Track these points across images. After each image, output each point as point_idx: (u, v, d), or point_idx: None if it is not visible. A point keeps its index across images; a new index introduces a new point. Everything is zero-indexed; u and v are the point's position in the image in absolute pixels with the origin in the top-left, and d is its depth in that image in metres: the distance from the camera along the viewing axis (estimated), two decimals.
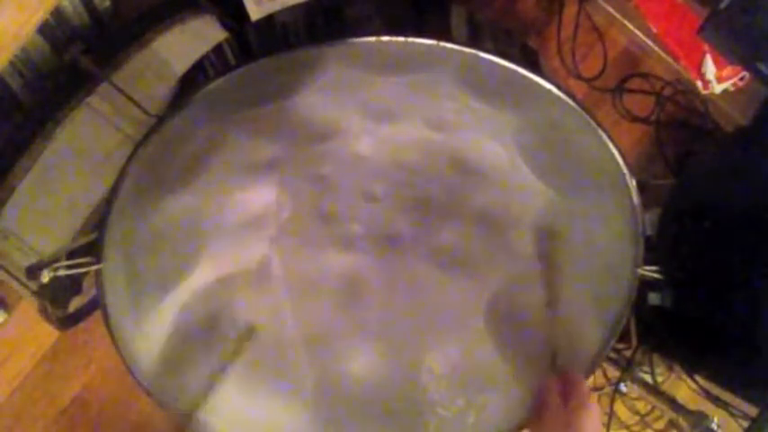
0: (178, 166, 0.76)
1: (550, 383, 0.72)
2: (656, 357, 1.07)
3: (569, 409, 0.68)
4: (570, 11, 1.07)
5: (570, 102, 0.64)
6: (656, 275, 0.75)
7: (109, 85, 0.76)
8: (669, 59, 1.04)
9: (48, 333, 1.08)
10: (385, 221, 0.95)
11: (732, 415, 1.01)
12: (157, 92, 0.79)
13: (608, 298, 0.78)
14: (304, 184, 0.91)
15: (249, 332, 0.83)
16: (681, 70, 1.03)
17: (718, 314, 0.85)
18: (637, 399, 1.11)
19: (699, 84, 1.00)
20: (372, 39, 0.61)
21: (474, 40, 0.70)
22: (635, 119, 1.13)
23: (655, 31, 1.01)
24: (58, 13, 0.79)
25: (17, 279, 0.82)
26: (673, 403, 0.98)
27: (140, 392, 0.77)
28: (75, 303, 0.84)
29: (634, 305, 0.77)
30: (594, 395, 1.16)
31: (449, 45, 0.61)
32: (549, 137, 0.77)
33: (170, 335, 0.81)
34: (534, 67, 0.64)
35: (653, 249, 0.76)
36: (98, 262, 0.67)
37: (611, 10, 1.05)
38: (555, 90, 0.63)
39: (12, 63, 0.77)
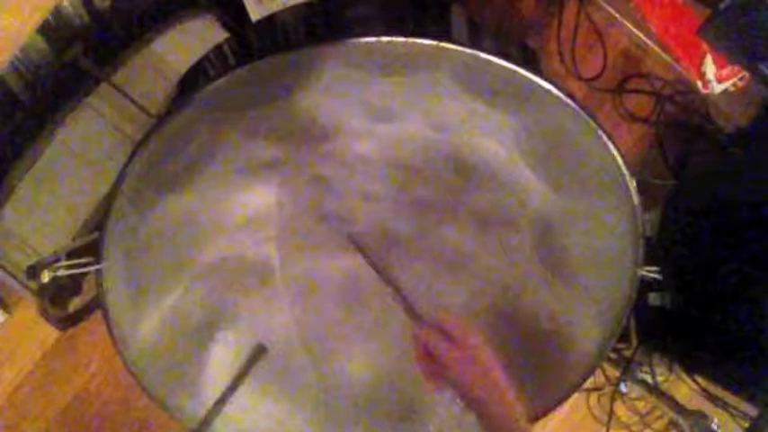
0: (178, 166, 0.76)
1: (428, 335, 0.67)
2: (655, 357, 1.07)
3: (458, 348, 0.65)
4: (570, 11, 1.07)
5: (570, 102, 0.64)
6: (656, 275, 0.75)
7: (109, 85, 0.76)
8: (669, 59, 1.04)
9: (48, 333, 1.08)
10: (385, 221, 0.95)
11: (732, 415, 1.01)
12: (157, 92, 0.79)
13: (608, 298, 0.79)
14: (304, 185, 0.91)
15: (259, 352, 0.82)
16: (681, 70, 1.03)
17: (718, 314, 0.85)
18: (637, 399, 1.11)
19: (699, 84, 1.00)
20: (372, 39, 0.61)
21: (474, 41, 0.70)
22: (635, 119, 1.13)
23: (655, 31, 1.01)
24: (57, 13, 0.78)
25: (17, 279, 0.82)
26: (673, 403, 0.98)
27: (140, 392, 0.77)
28: (75, 303, 0.84)
29: (634, 305, 0.77)
30: (595, 394, 1.16)
31: (449, 45, 0.61)
32: (548, 137, 0.77)
33: (170, 335, 0.81)
34: (534, 67, 0.64)
35: (653, 249, 0.76)
36: (98, 262, 0.67)
37: (611, 10, 1.05)
38: (554, 90, 0.64)
39: (12, 63, 0.77)
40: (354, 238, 0.83)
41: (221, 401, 0.76)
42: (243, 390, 0.85)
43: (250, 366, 0.80)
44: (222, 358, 0.86)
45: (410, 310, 0.72)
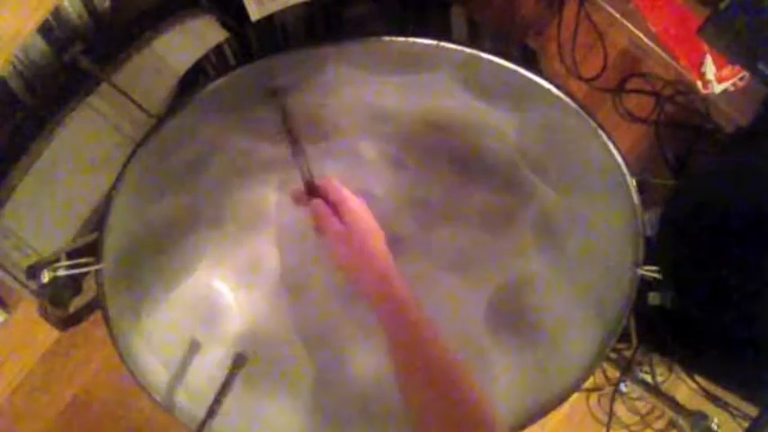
0: (178, 166, 0.76)
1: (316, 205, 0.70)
2: (656, 357, 1.07)
3: (340, 211, 0.68)
4: (570, 11, 1.07)
5: (570, 102, 0.64)
6: (656, 275, 0.75)
7: (109, 85, 0.76)
8: (669, 59, 1.04)
9: (48, 333, 1.08)
10: (385, 221, 0.95)
11: (732, 415, 1.01)
12: (157, 92, 0.79)
13: (608, 298, 0.79)
14: None
15: (240, 361, 0.83)
16: (681, 70, 1.03)
17: (718, 314, 0.85)
18: (637, 399, 1.11)
19: (699, 84, 1.00)
20: (372, 39, 0.61)
21: (474, 40, 0.70)
22: (635, 119, 1.13)
23: (655, 31, 1.00)
24: (57, 13, 0.78)
25: (17, 279, 0.82)
26: (673, 403, 0.98)
27: (140, 392, 0.77)
28: (75, 303, 0.84)
29: (634, 305, 0.77)
30: (595, 394, 1.16)
31: (449, 45, 0.61)
32: (549, 137, 0.77)
33: (169, 334, 0.81)
34: (534, 67, 0.64)
35: (653, 249, 0.76)
36: (98, 262, 0.67)
37: (611, 10, 1.05)
38: (554, 90, 0.64)
39: (12, 63, 0.77)
40: (275, 90, 0.78)
41: (210, 413, 0.78)
42: (242, 390, 0.86)
43: (232, 376, 0.81)
44: (222, 358, 0.86)
45: (305, 179, 0.73)
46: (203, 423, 0.77)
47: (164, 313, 0.81)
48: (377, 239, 0.69)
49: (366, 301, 0.67)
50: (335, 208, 0.70)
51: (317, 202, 0.71)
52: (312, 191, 0.73)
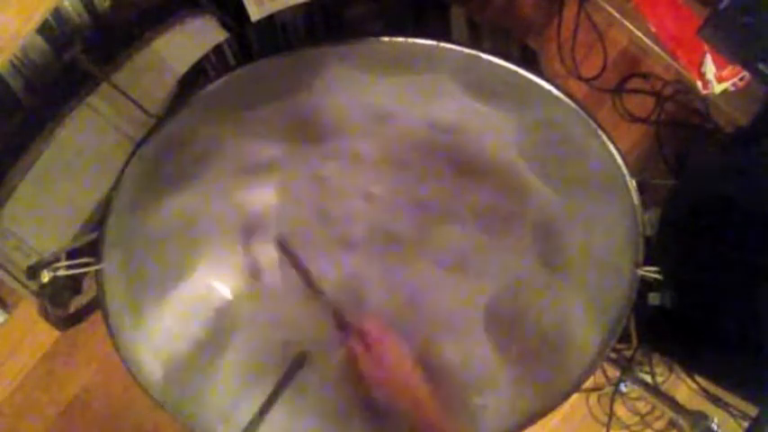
0: (178, 166, 0.76)
1: (350, 341, 0.72)
2: (656, 357, 1.07)
3: (377, 352, 0.70)
4: (570, 11, 1.07)
5: (570, 102, 0.64)
6: (656, 275, 0.75)
7: (109, 85, 0.76)
8: (669, 59, 1.04)
9: (48, 333, 1.08)
10: (385, 221, 0.95)
11: (732, 415, 1.01)
12: (157, 92, 0.79)
13: (608, 298, 0.78)
14: (304, 185, 0.91)
15: (300, 361, 0.82)
16: (681, 70, 1.03)
17: (718, 314, 0.85)
18: (637, 399, 1.11)
19: (699, 84, 1.00)
20: (372, 39, 0.61)
21: (474, 41, 0.70)
22: (635, 119, 1.13)
23: (655, 31, 1.01)
24: (57, 13, 0.79)
25: (17, 279, 0.82)
26: (673, 403, 0.98)
27: (140, 392, 0.77)
28: (75, 303, 0.84)
29: (634, 305, 0.77)
30: (595, 394, 1.16)
31: (449, 45, 0.61)
32: (548, 137, 0.77)
33: (169, 335, 0.81)
34: (534, 67, 0.64)
35: (653, 249, 0.76)
36: (98, 262, 0.67)
37: (611, 10, 1.05)
38: (554, 90, 0.63)
39: (12, 63, 0.77)
40: (282, 239, 0.82)
41: (260, 415, 0.76)
42: (243, 391, 0.86)
43: (291, 376, 0.80)
44: (222, 357, 0.86)
45: (336, 317, 0.75)
46: (255, 421, 0.75)
47: (163, 313, 0.81)
48: (411, 376, 0.70)
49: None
50: (368, 344, 0.71)
51: (351, 347, 0.74)
52: (343, 326, 0.75)
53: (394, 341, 0.70)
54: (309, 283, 0.77)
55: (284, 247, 0.80)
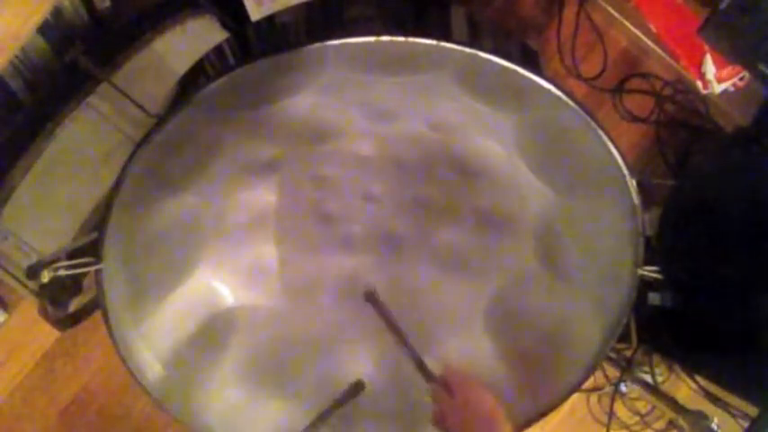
0: (178, 166, 0.76)
1: (435, 390, 0.74)
2: (656, 357, 1.07)
3: (460, 397, 0.71)
4: (570, 11, 1.07)
5: (570, 102, 0.64)
6: (656, 275, 0.75)
7: (109, 85, 0.76)
8: (669, 59, 1.04)
9: (48, 333, 1.08)
10: (385, 222, 0.95)
11: (732, 415, 1.00)
12: (157, 92, 0.79)
13: (608, 298, 0.79)
14: (304, 185, 0.91)
15: (358, 388, 0.84)
16: (681, 70, 1.03)
17: (718, 314, 0.85)
18: (637, 399, 1.11)
19: (699, 84, 1.00)
20: (372, 39, 0.61)
21: (474, 41, 0.70)
22: (635, 119, 1.13)
23: (655, 31, 1.01)
24: (57, 13, 0.79)
25: (17, 279, 0.82)
26: (673, 403, 0.98)
27: (140, 392, 0.77)
28: (75, 303, 0.84)
29: (634, 305, 0.77)
30: (595, 394, 1.16)
31: (449, 45, 0.61)
32: (548, 137, 0.77)
33: (169, 335, 0.81)
34: (534, 67, 0.64)
35: (653, 249, 0.76)
36: (98, 262, 0.67)
37: (611, 10, 1.05)
38: (554, 90, 0.64)
39: (12, 63, 0.77)
40: (371, 293, 0.84)
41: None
42: (242, 391, 0.86)
43: (347, 400, 0.83)
44: (222, 357, 0.86)
45: (421, 367, 0.78)
46: None
47: (163, 314, 0.81)
48: (496, 412, 0.71)
49: None
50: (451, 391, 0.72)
51: (438, 397, 0.74)
52: (429, 377, 0.77)
53: (473, 383, 0.73)
54: (401, 340, 0.80)
55: (375, 301, 0.84)
